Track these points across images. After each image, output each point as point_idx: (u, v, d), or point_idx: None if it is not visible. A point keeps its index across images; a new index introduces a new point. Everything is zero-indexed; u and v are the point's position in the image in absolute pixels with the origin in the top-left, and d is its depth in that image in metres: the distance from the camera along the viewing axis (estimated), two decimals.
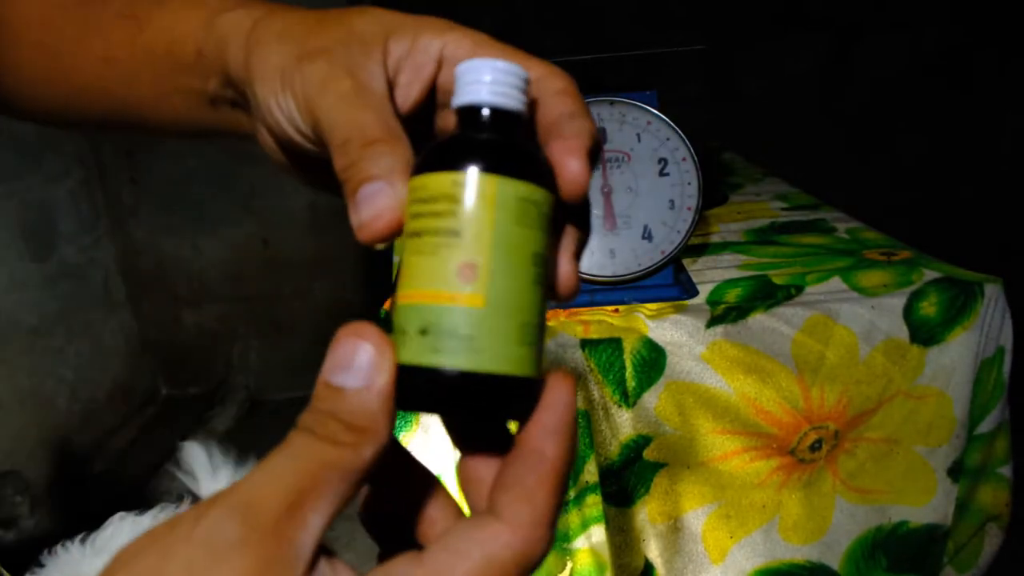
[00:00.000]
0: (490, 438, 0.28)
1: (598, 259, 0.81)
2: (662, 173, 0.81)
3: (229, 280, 2.29)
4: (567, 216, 0.28)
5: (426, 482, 0.28)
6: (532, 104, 0.28)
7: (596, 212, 0.81)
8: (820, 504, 0.80)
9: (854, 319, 0.76)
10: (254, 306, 2.32)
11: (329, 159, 0.28)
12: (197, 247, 2.26)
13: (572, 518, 0.74)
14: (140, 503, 1.76)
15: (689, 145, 0.80)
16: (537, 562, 0.23)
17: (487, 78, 0.26)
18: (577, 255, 0.29)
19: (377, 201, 0.26)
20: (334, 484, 0.22)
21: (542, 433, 0.24)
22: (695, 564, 0.80)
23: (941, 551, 0.82)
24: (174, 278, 2.29)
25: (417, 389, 0.24)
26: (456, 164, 0.25)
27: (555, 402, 0.25)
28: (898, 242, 0.91)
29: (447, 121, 0.32)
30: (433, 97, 0.31)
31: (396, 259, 0.23)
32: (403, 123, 0.29)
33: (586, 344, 0.74)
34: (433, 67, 0.30)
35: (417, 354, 0.24)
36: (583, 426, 0.73)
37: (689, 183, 0.80)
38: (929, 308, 0.77)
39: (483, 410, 0.25)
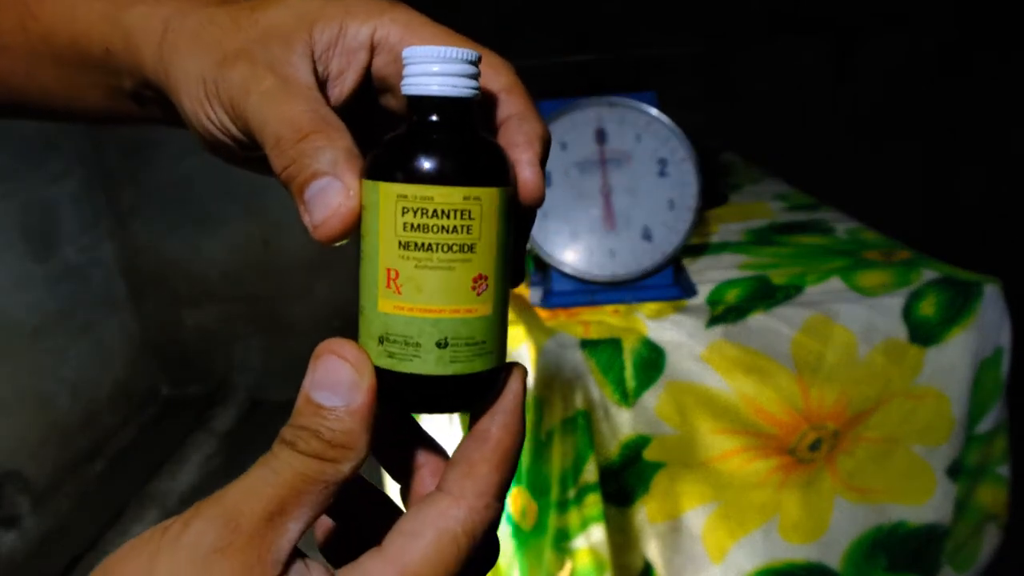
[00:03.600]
0: (423, 456, 0.28)
1: (598, 259, 0.81)
2: (662, 173, 0.81)
3: (229, 280, 2.29)
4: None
5: (385, 507, 0.29)
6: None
7: (596, 212, 0.81)
8: (819, 504, 0.80)
9: (853, 319, 0.76)
10: (254, 306, 2.32)
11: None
12: (198, 247, 2.26)
13: (572, 518, 0.74)
14: (138, 504, 1.76)
15: (689, 145, 0.80)
16: (485, 531, 0.24)
17: (448, 68, 0.25)
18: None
19: (328, 198, 0.25)
20: (313, 495, 0.23)
21: (488, 416, 0.26)
22: (695, 564, 0.80)
23: (940, 550, 0.82)
24: (175, 278, 2.29)
25: (437, 396, 0.26)
26: (463, 177, 0.25)
27: (504, 389, 0.27)
28: (897, 242, 0.91)
29: (391, 104, 0.31)
30: (370, 84, 0.30)
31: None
32: (341, 114, 0.28)
33: (586, 344, 0.74)
34: (366, 54, 0.29)
35: (437, 366, 0.25)
36: (583, 426, 0.73)
37: (689, 183, 0.80)
38: (928, 308, 0.77)
39: (482, 402, 0.27)
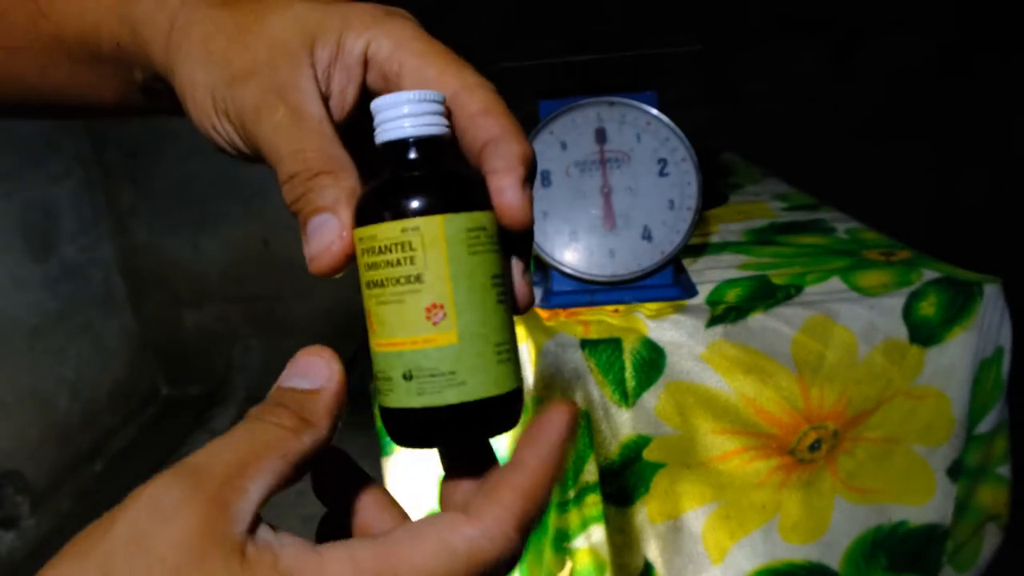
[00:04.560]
0: (475, 460, 0.28)
1: (598, 259, 0.81)
2: (662, 173, 0.81)
3: (229, 280, 2.29)
4: (509, 236, 0.28)
5: (378, 497, 0.29)
6: (450, 119, 0.28)
7: (596, 212, 0.81)
8: (820, 504, 0.80)
9: (853, 319, 0.76)
10: (254, 306, 2.32)
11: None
12: (197, 247, 2.26)
13: (572, 518, 0.74)
14: None
15: (689, 145, 0.80)
16: (497, 563, 0.23)
17: (404, 110, 0.27)
18: (526, 269, 0.30)
19: (324, 234, 0.26)
20: (273, 461, 0.23)
21: (528, 446, 0.25)
22: (695, 564, 0.80)
23: (940, 551, 0.82)
24: (174, 278, 2.29)
25: (412, 430, 0.26)
26: (400, 211, 0.25)
27: (547, 421, 0.26)
28: (897, 242, 0.91)
29: None
30: (368, 97, 0.30)
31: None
32: (347, 128, 0.29)
33: (586, 344, 0.74)
34: (361, 69, 0.29)
35: (406, 398, 0.26)
36: (583, 426, 0.73)
37: (689, 183, 0.80)
38: (928, 308, 0.77)
39: (475, 434, 0.27)
